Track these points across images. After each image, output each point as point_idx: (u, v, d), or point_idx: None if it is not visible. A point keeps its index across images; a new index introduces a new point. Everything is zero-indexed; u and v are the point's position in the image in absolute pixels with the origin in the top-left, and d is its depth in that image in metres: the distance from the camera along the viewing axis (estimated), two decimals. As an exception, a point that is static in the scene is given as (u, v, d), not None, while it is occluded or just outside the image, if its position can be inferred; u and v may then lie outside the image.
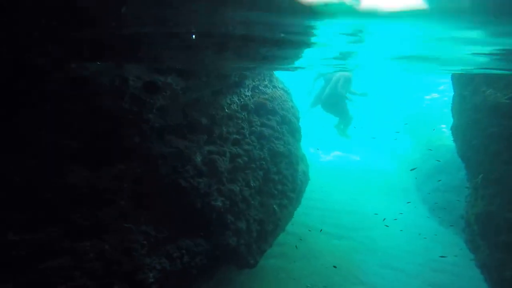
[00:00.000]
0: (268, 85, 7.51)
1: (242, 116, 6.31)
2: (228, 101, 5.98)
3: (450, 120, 8.37)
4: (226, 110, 5.83)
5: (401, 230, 11.78)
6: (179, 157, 5.00)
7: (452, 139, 13.50)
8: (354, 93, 11.84)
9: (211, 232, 5.71)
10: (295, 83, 10.89)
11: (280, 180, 7.31)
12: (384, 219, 11.51)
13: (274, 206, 7.01)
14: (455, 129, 7.50)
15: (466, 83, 6.87)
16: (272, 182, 7.08)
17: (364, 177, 17.84)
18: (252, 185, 6.42)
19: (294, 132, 7.92)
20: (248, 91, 6.62)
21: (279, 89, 7.92)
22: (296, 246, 9.92)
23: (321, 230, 10.36)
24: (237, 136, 6.28)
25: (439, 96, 20.36)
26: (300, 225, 10.97)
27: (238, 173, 6.22)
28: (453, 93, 8.18)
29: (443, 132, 15.33)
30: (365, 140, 22.87)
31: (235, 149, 6.18)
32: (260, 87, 7.16)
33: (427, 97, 21.33)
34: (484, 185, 6.28)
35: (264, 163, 6.80)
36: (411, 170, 14.33)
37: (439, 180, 13.22)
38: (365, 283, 8.97)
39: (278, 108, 7.35)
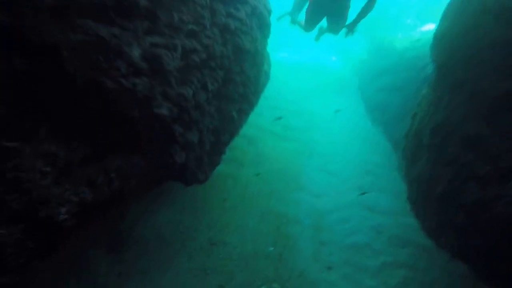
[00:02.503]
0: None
1: (202, 2, 4.16)
2: (184, -22, 3.76)
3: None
4: (180, -11, 3.66)
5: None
6: (103, 49, 2.94)
7: (403, 42, 12.09)
8: None
9: (152, 148, 4.00)
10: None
11: (243, 82, 5.57)
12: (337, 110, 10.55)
13: (233, 112, 5.35)
14: (440, 35, 5.80)
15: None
16: (233, 84, 5.34)
17: (318, 76, 16.23)
18: (209, 88, 4.64)
19: (264, 27, 5.94)
20: (212, -31, 4.34)
21: (252, -31, 5.57)
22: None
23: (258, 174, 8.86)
24: (194, 27, 4.23)
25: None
26: (252, 125, 9.66)
27: (192, 73, 4.35)
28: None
29: (395, 34, 13.69)
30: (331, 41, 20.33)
31: (189, 43, 4.15)
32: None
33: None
34: (453, 95, 4.85)
35: (226, 61, 4.90)
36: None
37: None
38: (303, 188, 8.51)
39: (249, -5, 5.17)
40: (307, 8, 8.55)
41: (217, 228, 6.76)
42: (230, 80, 5.27)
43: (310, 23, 8.80)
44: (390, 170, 9.24)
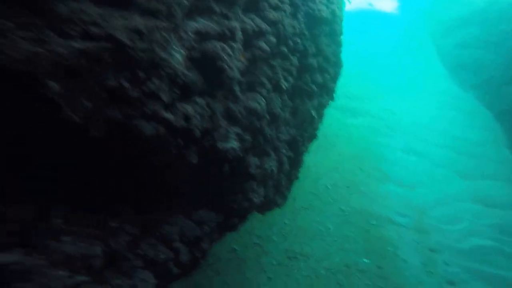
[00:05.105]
0: None
1: None
2: None
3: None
4: None
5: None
6: (124, 63, 1.45)
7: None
8: None
9: (221, 193, 2.60)
10: None
11: (320, 66, 3.99)
12: None
13: (312, 111, 3.79)
14: None
15: None
16: (310, 72, 3.77)
17: (374, 26, 13.62)
18: (283, 86, 3.10)
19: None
20: None
21: None
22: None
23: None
24: (254, -7, 2.66)
25: None
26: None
27: (260, 69, 2.81)
28: None
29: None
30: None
31: (251, 22, 2.60)
32: None
33: None
34: None
35: (299, 41, 3.28)
36: None
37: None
38: (389, 178, 6.73)
39: None
40: None
41: (292, 236, 5.40)
42: (305, 66, 3.68)
43: None
44: (496, 148, 7.33)
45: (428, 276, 4.99)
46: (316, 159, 6.82)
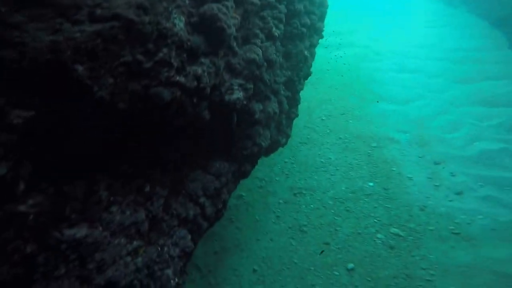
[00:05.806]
0: None
1: None
2: None
3: None
4: None
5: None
6: (136, 39, 1.63)
7: None
8: None
9: (232, 143, 2.89)
10: None
11: (307, 9, 4.06)
12: None
13: (305, 52, 3.93)
14: None
15: None
16: (298, 17, 3.84)
17: None
18: (275, 34, 3.24)
19: None
20: None
21: None
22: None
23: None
24: None
25: None
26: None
27: (252, 22, 2.93)
28: None
29: None
30: None
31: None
32: None
33: None
34: None
35: (285, -13, 3.34)
36: None
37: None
38: (383, 98, 6.57)
39: None
40: None
41: (294, 172, 5.41)
42: (293, 12, 3.75)
43: None
44: (496, 51, 7.09)
45: (435, 190, 5.03)
46: (306, 94, 6.61)
